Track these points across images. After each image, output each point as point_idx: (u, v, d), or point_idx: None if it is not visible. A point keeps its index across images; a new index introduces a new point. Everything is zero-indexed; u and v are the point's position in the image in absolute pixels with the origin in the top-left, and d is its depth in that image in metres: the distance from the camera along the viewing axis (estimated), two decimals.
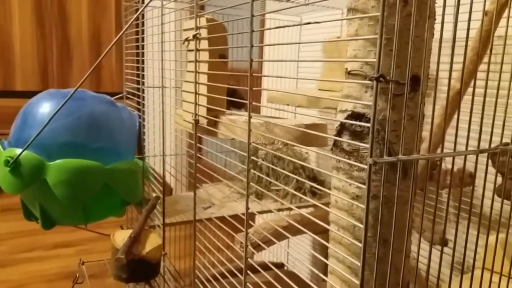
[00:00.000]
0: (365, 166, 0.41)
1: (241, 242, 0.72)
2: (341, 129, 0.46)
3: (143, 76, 1.25)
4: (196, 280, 0.90)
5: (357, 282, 0.43)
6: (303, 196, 0.81)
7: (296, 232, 0.79)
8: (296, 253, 1.63)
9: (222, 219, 0.87)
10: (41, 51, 3.00)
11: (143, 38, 1.20)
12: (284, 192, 1.38)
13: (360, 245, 0.42)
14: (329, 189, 0.50)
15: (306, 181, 1.24)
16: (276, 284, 0.63)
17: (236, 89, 1.12)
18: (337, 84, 1.24)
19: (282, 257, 1.68)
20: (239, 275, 0.73)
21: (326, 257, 0.55)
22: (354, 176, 0.46)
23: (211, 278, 0.93)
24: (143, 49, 1.23)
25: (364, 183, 0.46)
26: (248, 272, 0.70)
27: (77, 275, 0.90)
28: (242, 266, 0.70)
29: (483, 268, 0.60)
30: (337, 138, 0.45)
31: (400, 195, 0.45)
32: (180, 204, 1.30)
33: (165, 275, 0.95)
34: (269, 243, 0.73)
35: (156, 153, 1.34)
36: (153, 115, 1.35)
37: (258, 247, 0.72)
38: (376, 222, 0.46)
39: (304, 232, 0.84)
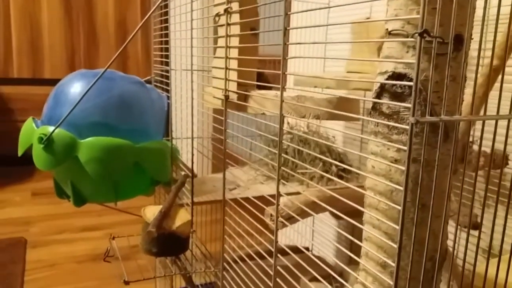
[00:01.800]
0: (406, 127, 0.41)
1: (271, 215, 0.72)
2: (381, 91, 0.45)
3: (167, 60, 1.25)
4: (225, 261, 0.91)
5: (395, 246, 0.43)
6: (330, 177, 0.80)
7: (325, 208, 0.78)
8: (321, 239, 1.63)
9: (248, 201, 0.87)
10: (69, 39, 3.05)
11: (167, 20, 1.21)
12: (310, 175, 1.37)
13: (399, 207, 0.42)
14: (357, 173, 0.50)
15: (333, 161, 1.23)
16: (305, 265, 0.62)
17: (262, 73, 1.11)
18: (366, 66, 1.22)
19: (306, 243, 1.68)
20: (267, 257, 0.74)
21: (351, 244, 0.55)
22: (393, 140, 0.45)
23: (238, 260, 0.94)
24: (168, 31, 1.23)
25: (403, 147, 0.45)
26: (278, 255, 0.70)
27: (108, 248, 0.92)
28: (271, 248, 0.70)
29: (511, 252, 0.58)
30: (377, 100, 0.45)
31: (441, 158, 0.44)
32: (207, 185, 1.31)
33: (193, 250, 0.96)
34: (300, 216, 0.73)
35: (183, 136, 1.35)
36: (180, 98, 1.36)
37: (287, 221, 0.72)
38: (415, 186, 0.45)
39: (333, 209, 0.84)
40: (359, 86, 1.18)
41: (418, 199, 0.45)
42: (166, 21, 1.20)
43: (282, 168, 1.11)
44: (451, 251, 0.53)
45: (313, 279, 1.02)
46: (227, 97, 0.78)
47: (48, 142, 1.02)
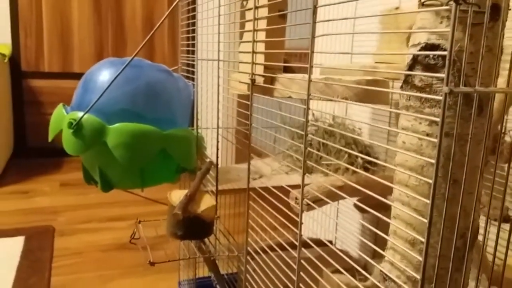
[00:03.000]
0: (439, 97, 0.40)
1: (296, 198, 0.72)
2: (413, 63, 0.44)
3: (193, 49, 1.26)
4: (249, 247, 0.91)
5: (425, 220, 0.42)
6: (355, 169, 0.79)
7: (351, 193, 0.78)
8: (345, 232, 1.61)
9: (271, 193, 0.87)
10: (98, 34, 3.11)
11: (194, 9, 1.22)
12: (335, 167, 1.36)
13: (430, 181, 0.41)
14: (383, 166, 0.49)
15: (359, 154, 1.22)
16: (328, 258, 0.62)
17: (289, 67, 1.11)
18: (395, 57, 1.21)
19: (330, 236, 1.66)
20: (290, 249, 0.73)
21: (375, 238, 0.54)
22: (425, 113, 0.44)
23: (261, 251, 0.94)
24: (195, 19, 1.24)
25: (435, 120, 0.44)
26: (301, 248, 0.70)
27: (134, 230, 0.93)
28: (294, 241, 0.70)
29: None
30: (409, 72, 0.44)
31: (474, 133, 0.43)
32: (231, 174, 1.31)
33: (217, 235, 0.97)
34: (323, 202, 0.72)
35: (208, 126, 1.36)
36: (205, 88, 1.37)
37: (312, 204, 0.72)
38: (447, 161, 0.44)
39: (359, 195, 0.83)
40: (386, 77, 1.17)
41: (450, 175, 0.44)
42: (193, 10, 1.21)
43: (308, 162, 1.11)
44: (481, 244, 0.52)
45: (336, 271, 1.02)
46: (253, 81, 0.78)
47: (77, 127, 1.05)
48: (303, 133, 0.66)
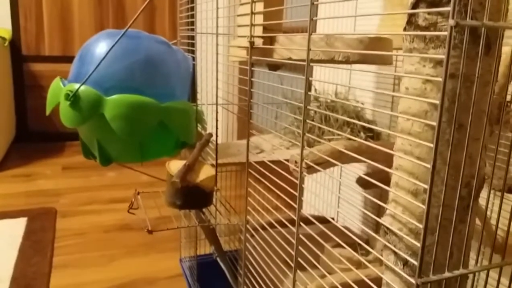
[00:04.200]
0: (444, 33, 0.37)
1: (296, 162, 0.70)
2: (417, 1, 0.42)
3: (192, 20, 1.24)
4: (249, 218, 0.89)
5: (428, 166, 0.40)
6: (357, 139, 0.77)
7: (351, 158, 0.76)
8: (347, 209, 1.60)
9: (271, 169, 0.85)
10: (98, 17, 3.08)
11: None
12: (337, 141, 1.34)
13: (434, 123, 0.39)
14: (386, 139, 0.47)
15: (363, 124, 1.19)
16: (329, 233, 0.60)
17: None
18: (399, 28, 1.18)
19: (332, 214, 1.65)
20: (291, 226, 0.72)
21: (378, 214, 0.52)
22: (430, 56, 0.42)
23: (260, 228, 0.92)
24: None
25: (440, 61, 0.42)
26: (302, 224, 0.68)
27: (132, 200, 0.92)
28: (294, 217, 0.68)
29: None
30: (413, 10, 0.42)
31: (481, 73, 0.41)
32: (231, 149, 1.29)
33: (217, 206, 0.95)
34: (324, 165, 0.70)
35: (208, 101, 1.34)
36: (205, 62, 1.35)
37: (312, 169, 0.70)
38: (451, 105, 0.42)
39: (360, 160, 0.81)
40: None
41: (455, 119, 0.42)
42: None
43: (308, 135, 1.10)
44: (484, 210, 0.50)
45: (337, 246, 1.00)
46: (252, 43, 0.76)
47: (74, 98, 1.03)
48: (303, 105, 0.64)
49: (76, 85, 1.04)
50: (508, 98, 0.90)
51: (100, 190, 2.38)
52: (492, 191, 0.96)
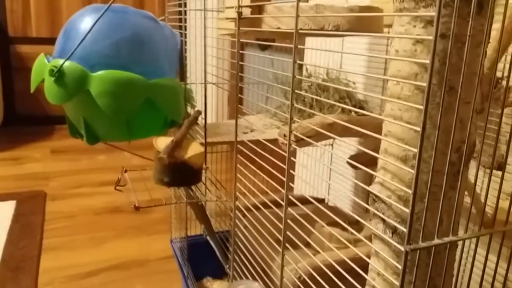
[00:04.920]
0: None
1: (285, 135, 0.68)
2: None
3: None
4: (237, 202, 0.88)
5: (418, 129, 0.39)
6: (347, 112, 0.76)
7: (341, 132, 0.74)
8: (337, 191, 1.59)
9: (262, 149, 0.83)
10: None
11: None
12: None
13: (424, 84, 0.37)
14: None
15: (352, 108, 1.18)
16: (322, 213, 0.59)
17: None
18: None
19: (323, 193, 1.65)
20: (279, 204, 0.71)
21: (368, 193, 0.51)
22: (420, 14, 0.40)
23: (249, 209, 0.91)
24: None
25: (431, 21, 0.40)
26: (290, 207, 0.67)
27: (119, 177, 0.90)
28: (281, 201, 0.67)
29: None
30: None
31: (473, 34, 0.39)
32: (221, 128, 1.28)
33: (206, 183, 0.94)
34: (313, 138, 0.69)
35: (197, 81, 1.32)
36: (194, 39, 1.32)
37: (301, 142, 0.69)
38: (442, 67, 0.40)
39: (350, 134, 0.80)
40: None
41: (446, 81, 0.40)
42: None
43: (296, 119, 1.08)
44: (473, 186, 0.49)
45: (328, 225, 0.99)
46: (240, 14, 0.74)
47: (59, 74, 1.00)
48: (295, 90, 0.62)
49: (61, 61, 1.01)
50: (499, 74, 0.89)
51: (90, 173, 2.36)
52: (481, 168, 0.95)
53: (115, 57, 1.05)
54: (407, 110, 0.43)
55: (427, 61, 0.37)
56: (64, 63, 1.00)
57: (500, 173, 0.51)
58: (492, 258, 0.50)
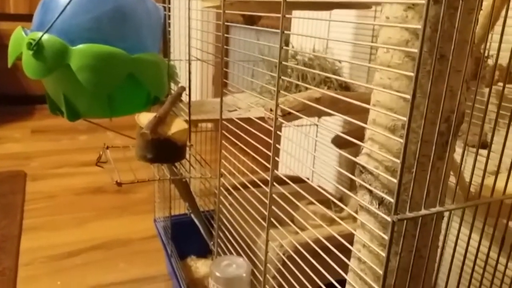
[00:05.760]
0: None
1: (271, 109, 0.67)
2: None
3: None
4: (222, 178, 0.87)
5: (408, 97, 0.38)
6: (333, 89, 0.74)
7: (328, 105, 0.73)
8: (322, 170, 1.60)
9: (247, 129, 0.82)
10: None
11: None
12: None
13: (415, 50, 0.36)
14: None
15: (336, 77, 1.17)
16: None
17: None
18: None
19: (307, 174, 1.65)
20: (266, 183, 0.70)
21: (353, 172, 0.51)
22: None
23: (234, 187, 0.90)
24: None
25: None
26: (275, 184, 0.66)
27: (101, 153, 0.88)
28: (267, 177, 0.66)
29: None
30: None
31: None
32: (206, 106, 1.26)
33: (190, 160, 0.93)
34: (300, 113, 0.68)
35: (181, 57, 1.29)
36: (178, 12, 1.29)
37: (287, 117, 0.68)
38: (433, 34, 0.39)
39: (337, 109, 0.79)
40: None
41: (437, 48, 0.39)
42: None
43: (284, 93, 1.06)
44: (459, 165, 0.49)
45: (311, 204, 0.99)
46: None
47: (37, 47, 0.97)
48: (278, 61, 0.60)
49: (39, 34, 0.98)
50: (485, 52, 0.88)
51: (71, 153, 2.32)
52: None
53: (96, 31, 1.02)
54: (397, 79, 0.43)
55: (419, 27, 0.36)
56: (42, 36, 0.96)
57: (482, 152, 0.51)
58: (475, 236, 0.50)
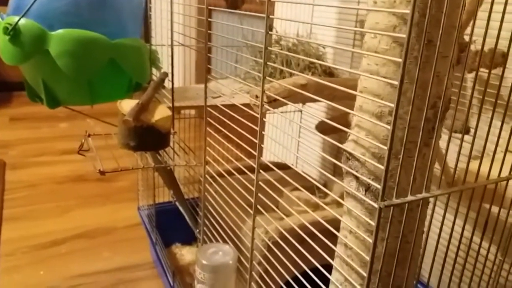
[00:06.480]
0: None
1: (256, 96, 0.66)
2: None
3: None
4: (208, 166, 0.86)
5: (396, 83, 0.38)
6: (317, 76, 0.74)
7: (314, 92, 0.73)
8: (306, 155, 1.60)
9: (231, 115, 0.81)
10: None
11: None
12: None
13: (404, 36, 0.36)
14: None
15: (320, 62, 1.17)
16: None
17: None
18: None
19: (291, 161, 1.65)
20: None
21: (337, 158, 0.50)
22: None
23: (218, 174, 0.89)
24: None
25: None
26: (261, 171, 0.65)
27: (82, 141, 0.86)
28: (253, 164, 0.65)
29: (506, 150, 0.55)
30: None
31: None
32: (189, 92, 1.24)
33: (174, 148, 0.91)
34: (285, 99, 0.67)
35: (163, 42, 1.26)
36: (159, 0, 1.26)
37: (273, 103, 0.67)
38: (421, 19, 0.39)
39: (322, 95, 0.79)
40: None
41: (425, 34, 0.39)
42: None
43: (268, 79, 1.05)
44: (443, 154, 0.49)
45: (295, 190, 0.99)
46: None
47: (14, 32, 0.94)
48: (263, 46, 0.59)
49: (16, 18, 0.94)
50: (467, 39, 0.89)
51: (52, 142, 2.27)
52: (448, 132, 0.97)
53: (75, 15, 0.99)
54: (384, 65, 0.42)
55: (408, 11, 0.36)
56: (19, 20, 0.93)
57: (466, 137, 0.51)
58: (459, 221, 0.51)
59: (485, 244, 0.55)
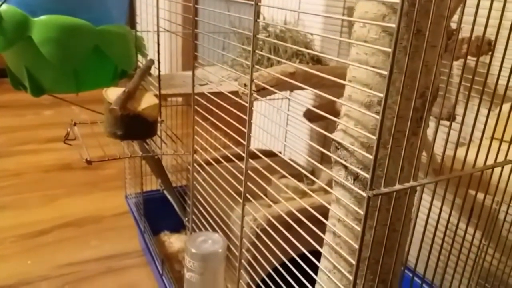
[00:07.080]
0: None
1: (245, 84, 0.66)
2: None
3: None
4: (196, 155, 0.86)
5: (385, 73, 0.38)
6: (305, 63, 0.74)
7: (302, 81, 0.73)
8: (294, 144, 1.60)
9: (218, 103, 0.80)
10: None
11: None
12: None
13: (393, 26, 0.36)
14: None
15: (309, 51, 1.16)
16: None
17: None
18: None
19: (279, 148, 1.66)
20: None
21: (324, 145, 0.50)
22: None
23: (206, 162, 0.89)
24: None
25: None
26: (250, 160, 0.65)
27: (68, 130, 0.85)
28: (241, 153, 0.65)
29: (492, 137, 0.56)
30: None
31: None
32: (176, 80, 1.23)
33: (162, 136, 0.91)
34: (274, 88, 0.67)
35: (149, 29, 1.24)
36: None
37: (262, 92, 0.67)
38: (411, 8, 0.39)
39: (310, 84, 0.79)
40: None
41: (414, 23, 0.39)
42: None
43: (256, 66, 1.05)
44: (431, 142, 0.49)
45: (283, 177, 0.99)
46: None
47: None
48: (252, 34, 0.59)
49: None
50: (454, 26, 0.89)
51: (37, 129, 2.24)
52: (434, 120, 0.98)
53: (58, 1, 0.97)
54: (373, 54, 0.42)
55: (397, 1, 0.36)
56: (1, 6, 0.91)
57: (451, 124, 0.51)
58: (445, 208, 0.51)
59: (470, 230, 0.56)
